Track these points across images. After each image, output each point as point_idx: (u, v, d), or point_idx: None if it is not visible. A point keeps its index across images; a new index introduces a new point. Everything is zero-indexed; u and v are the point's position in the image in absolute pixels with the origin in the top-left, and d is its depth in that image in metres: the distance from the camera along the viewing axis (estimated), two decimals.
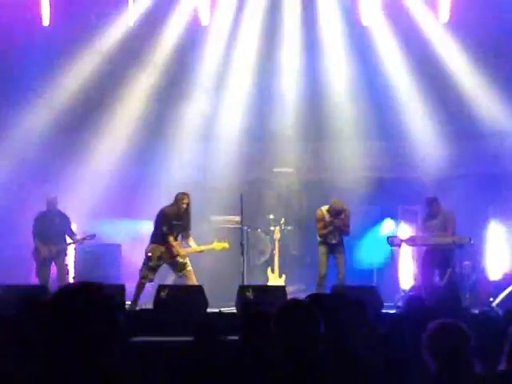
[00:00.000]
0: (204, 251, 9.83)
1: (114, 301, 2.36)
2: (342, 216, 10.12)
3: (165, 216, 9.58)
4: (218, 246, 9.85)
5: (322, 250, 10.15)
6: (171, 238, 9.53)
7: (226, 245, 9.88)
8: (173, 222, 9.56)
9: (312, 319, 3.18)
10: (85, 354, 2.25)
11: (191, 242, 9.75)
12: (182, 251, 9.55)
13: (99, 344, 2.27)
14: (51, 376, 2.24)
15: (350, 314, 4.15)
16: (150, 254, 9.55)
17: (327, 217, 10.16)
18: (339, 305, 4.19)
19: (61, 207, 10.71)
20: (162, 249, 9.55)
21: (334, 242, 10.14)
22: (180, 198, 9.60)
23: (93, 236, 10.52)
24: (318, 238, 10.13)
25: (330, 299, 4.96)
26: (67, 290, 2.36)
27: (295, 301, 3.52)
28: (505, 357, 3.54)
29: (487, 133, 12.03)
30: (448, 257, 9.87)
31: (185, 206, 9.58)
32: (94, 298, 2.31)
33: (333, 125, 12.38)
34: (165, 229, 9.53)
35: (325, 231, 10.08)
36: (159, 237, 9.60)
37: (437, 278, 9.95)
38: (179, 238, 9.67)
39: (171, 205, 9.63)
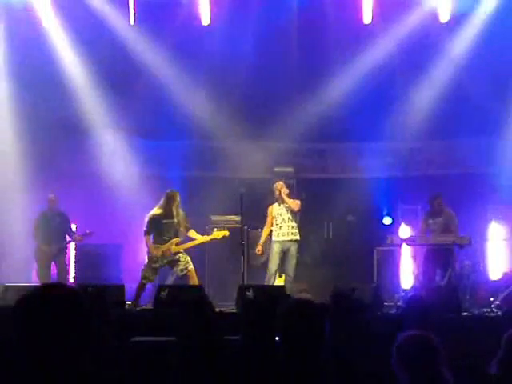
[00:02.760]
0: (206, 242, 9.86)
1: (85, 305, 2.31)
2: (286, 203, 10.06)
3: (149, 216, 9.62)
4: (218, 234, 9.87)
5: (275, 248, 10.16)
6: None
7: (227, 232, 9.91)
8: (162, 221, 9.57)
9: (318, 320, 3.15)
10: (42, 356, 2.22)
11: (193, 234, 9.76)
12: (175, 248, 9.55)
13: (60, 348, 2.23)
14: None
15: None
16: (152, 255, 9.55)
17: (276, 208, 10.16)
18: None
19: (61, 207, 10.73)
20: (163, 248, 9.56)
21: (286, 238, 10.11)
22: (170, 196, 9.61)
23: (92, 233, 10.51)
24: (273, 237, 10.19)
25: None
26: (32, 293, 2.32)
27: (303, 301, 3.47)
28: (497, 362, 3.48)
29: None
30: (448, 257, 9.86)
31: (176, 203, 9.58)
32: (55, 301, 2.27)
33: (334, 124, 12.35)
34: (145, 229, 9.60)
35: (270, 229, 10.13)
36: (158, 237, 9.61)
37: (437, 278, 9.94)
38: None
39: (160, 204, 9.64)
